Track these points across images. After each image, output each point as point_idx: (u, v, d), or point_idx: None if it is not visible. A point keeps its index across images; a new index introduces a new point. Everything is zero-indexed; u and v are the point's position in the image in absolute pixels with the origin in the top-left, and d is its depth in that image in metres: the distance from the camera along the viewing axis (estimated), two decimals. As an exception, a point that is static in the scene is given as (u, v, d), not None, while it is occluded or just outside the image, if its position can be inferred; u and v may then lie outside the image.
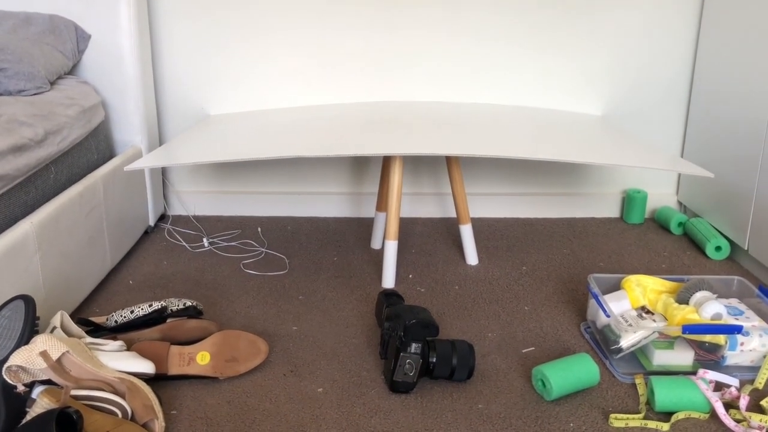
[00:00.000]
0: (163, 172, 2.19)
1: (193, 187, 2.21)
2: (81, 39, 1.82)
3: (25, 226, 1.31)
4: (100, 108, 1.78)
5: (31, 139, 1.38)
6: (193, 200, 2.21)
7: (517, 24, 2.07)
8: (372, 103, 2.08)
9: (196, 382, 1.30)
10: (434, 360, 1.28)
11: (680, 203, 2.24)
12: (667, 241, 2.02)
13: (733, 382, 1.27)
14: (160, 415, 1.14)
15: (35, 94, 1.58)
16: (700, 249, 1.96)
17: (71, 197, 1.50)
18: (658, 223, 2.16)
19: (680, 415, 1.20)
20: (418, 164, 2.20)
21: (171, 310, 1.39)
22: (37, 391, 1.12)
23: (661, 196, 2.23)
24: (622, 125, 2.17)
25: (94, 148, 1.74)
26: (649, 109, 2.16)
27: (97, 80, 1.87)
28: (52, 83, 1.70)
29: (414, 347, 1.26)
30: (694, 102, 2.10)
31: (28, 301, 1.17)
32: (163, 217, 2.18)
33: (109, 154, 1.85)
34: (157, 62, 2.08)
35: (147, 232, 2.05)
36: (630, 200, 2.17)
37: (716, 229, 1.95)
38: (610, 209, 2.24)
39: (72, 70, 1.86)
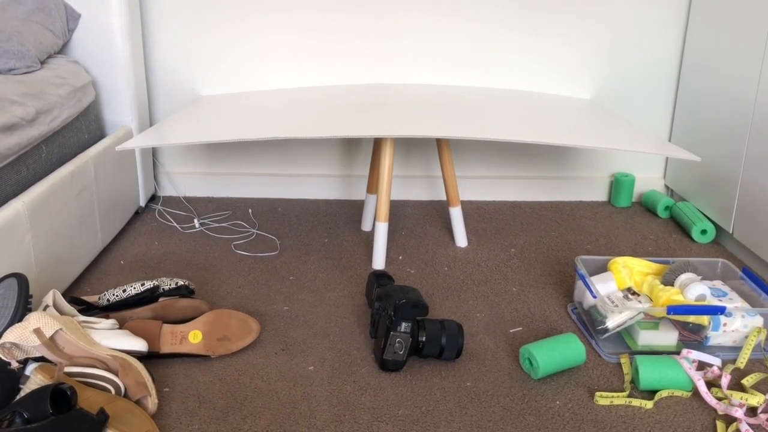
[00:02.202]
0: (154, 153, 2.19)
1: (183, 168, 2.21)
2: (71, 18, 1.81)
3: (16, 205, 1.31)
4: (90, 88, 1.77)
5: (22, 118, 1.38)
6: (184, 181, 2.21)
7: (507, 7, 2.07)
8: (363, 85, 2.08)
9: (189, 360, 1.32)
10: (423, 339, 1.30)
11: (667, 187, 2.26)
12: (654, 225, 2.05)
13: (716, 361, 1.30)
14: (153, 392, 1.15)
15: (25, 73, 1.57)
16: (686, 232, 1.99)
17: (62, 177, 1.50)
18: (645, 206, 2.19)
19: (663, 393, 1.23)
20: (409, 147, 2.21)
21: (163, 289, 1.40)
22: (31, 367, 1.13)
23: (649, 180, 2.26)
24: (610, 109, 2.19)
25: (85, 128, 1.74)
26: (637, 92, 2.18)
27: (87, 60, 1.86)
28: (42, 62, 1.69)
29: (404, 326, 1.28)
30: (683, 86, 2.12)
31: (20, 279, 1.18)
32: (153, 198, 2.18)
33: (100, 134, 1.85)
34: (147, 42, 2.08)
35: (138, 213, 2.05)
36: (618, 184, 2.19)
37: (702, 213, 1.98)
38: (598, 193, 2.26)
39: (62, 50, 1.85)
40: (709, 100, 1.95)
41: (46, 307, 1.24)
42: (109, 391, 1.12)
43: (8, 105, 1.37)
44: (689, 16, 2.08)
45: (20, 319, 1.14)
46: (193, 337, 1.31)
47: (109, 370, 1.15)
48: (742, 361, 1.33)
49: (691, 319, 1.36)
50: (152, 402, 1.14)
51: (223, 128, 1.60)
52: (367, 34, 2.08)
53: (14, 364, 1.11)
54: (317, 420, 1.16)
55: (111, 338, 1.21)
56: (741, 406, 1.19)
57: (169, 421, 1.15)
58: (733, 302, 1.41)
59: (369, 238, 1.90)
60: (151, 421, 1.09)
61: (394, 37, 2.09)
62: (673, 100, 2.19)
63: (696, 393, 1.25)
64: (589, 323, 1.44)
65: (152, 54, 2.09)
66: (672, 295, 1.39)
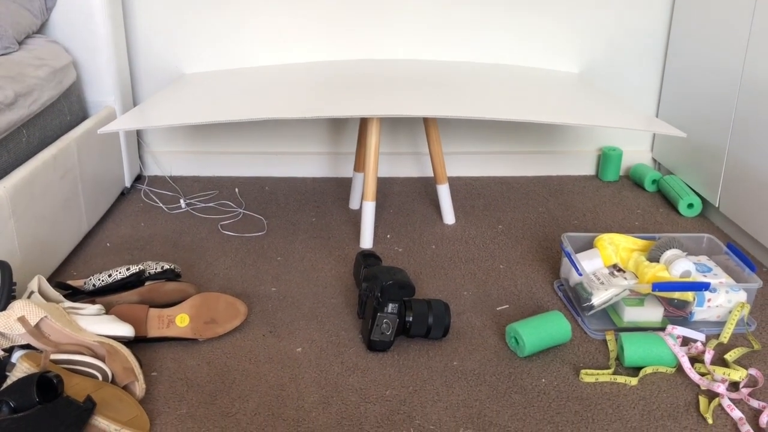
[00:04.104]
0: (138, 133, 2.16)
1: (169, 147, 2.19)
2: (49, -4, 1.77)
3: (-2, 191, 1.30)
4: (71, 68, 1.75)
5: (0, 102, 1.36)
6: (169, 160, 2.19)
7: (494, -20, 2.05)
8: (349, 61, 2.06)
9: (176, 344, 1.32)
10: (410, 319, 1.31)
11: (655, 160, 2.26)
12: (641, 199, 2.05)
13: (700, 337, 1.32)
14: (141, 377, 1.16)
15: (2, 54, 1.54)
16: (673, 206, 1.99)
17: (45, 160, 1.49)
18: (633, 180, 2.19)
19: (648, 370, 1.25)
20: (396, 124, 2.19)
21: (149, 273, 1.40)
22: (17, 355, 1.13)
23: (636, 153, 2.26)
24: (599, 83, 2.18)
25: (67, 109, 1.71)
26: (625, 65, 2.17)
27: (67, 39, 1.83)
28: (20, 43, 1.66)
29: (391, 307, 1.28)
30: (670, 60, 2.10)
31: (3, 267, 1.17)
32: (139, 178, 2.17)
33: (82, 116, 1.83)
34: (128, 19, 2.04)
35: (123, 194, 2.03)
36: (605, 158, 2.19)
37: (689, 187, 1.99)
38: (585, 167, 2.26)
39: (40, 29, 1.81)
40: (696, 73, 1.94)
41: (32, 293, 1.24)
42: (96, 377, 1.13)
43: (-14, 89, 1.34)
44: (677, -13, 2.07)
45: (4, 308, 1.14)
46: (180, 320, 1.31)
47: (95, 356, 1.15)
48: (725, 335, 1.34)
49: (676, 295, 1.37)
50: (140, 387, 1.15)
51: (207, 108, 1.58)
52: (354, 10, 2.05)
53: (0, 353, 1.11)
54: (305, 402, 1.17)
55: (97, 324, 1.21)
56: (723, 381, 1.20)
57: (157, 406, 1.15)
58: (718, 278, 1.42)
59: (357, 217, 1.90)
60: (139, 407, 1.10)
61: (380, 13, 2.06)
62: (661, 73, 2.18)
63: (680, 369, 1.26)
64: (575, 300, 1.45)
65: (134, 31, 2.05)
66: (657, 272, 1.40)
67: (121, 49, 1.93)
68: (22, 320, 1.11)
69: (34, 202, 1.43)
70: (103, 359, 1.15)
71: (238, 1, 2.03)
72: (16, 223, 1.35)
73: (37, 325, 1.13)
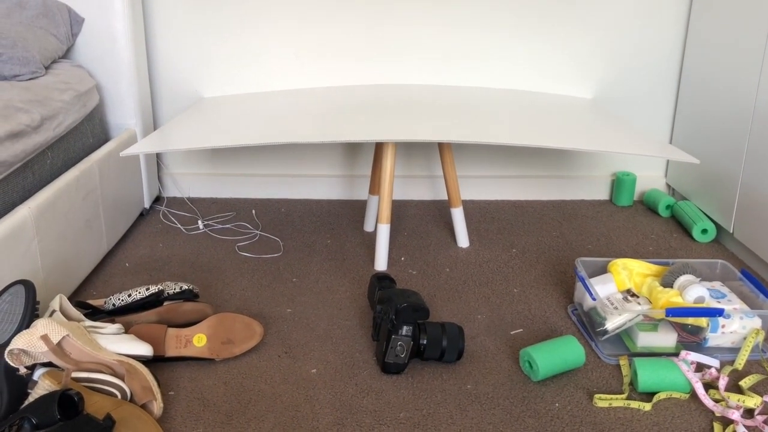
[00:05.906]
0: (158, 155, 2.20)
1: (187, 169, 2.23)
2: (74, 22, 1.82)
3: (23, 212, 1.33)
4: (94, 92, 1.79)
5: (27, 125, 1.40)
6: (188, 182, 2.23)
7: (509, 7, 2.08)
8: (365, 87, 2.09)
9: (193, 364, 1.34)
10: (425, 342, 1.32)
11: (669, 186, 2.27)
12: (655, 224, 2.06)
13: (714, 363, 1.32)
14: (159, 396, 1.17)
15: (30, 79, 1.59)
16: (687, 232, 2.00)
17: (68, 182, 1.52)
18: (647, 205, 2.20)
19: (662, 396, 1.25)
20: (411, 147, 2.22)
21: (168, 293, 1.42)
22: (39, 373, 1.15)
23: (650, 178, 2.27)
24: (612, 108, 2.20)
25: (89, 132, 1.75)
26: (639, 91, 2.19)
27: (91, 64, 1.88)
28: (47, 68, 1.71)
29: (405, 330, 1.29)
30: (684, 86, 2.12)
31: (28, 286, 1.20)
32: (158, 199, 2.20)
33: (104, 138, 1.87)
34: (150, 44, 2.09)
35: (142, 215, 2.07)
36: (619, 183, 2.20)
37: (703, 212, 1.99)
38: (599, 192, 2.27)
39: (66, 54, 1.86)
40: (710, 99, 1.96)
41: (53, 312, 1.26)
42: (115, 396, 1.15)
43: (13, 112, 1.38)
44: (690, 16, 2.09)
45: (28, 326, 1.16)
46: (198, 340, 1.33)
47: (115, 375, 1.17)
48: (740, 362, 1.34)
49: (690, 321, 1.37)
50: (158, 406, 1.16)
51: (226, 132, 1.61)
52: (370, 36, 2.09)
53: (22, 370, 1.13)
54: (320, 423, 1.18)
55: (117, 343, 1.23)
56: (738, 408, 1.20)
57: (174, 425, 1.17)
58: (732, 304, 1.43)
59: (371, 239, 1.92)
60: (157, 426, 1.12)
61: (396, 38, 2.10)
62: (675, 99, 2.20)
63: (694, 395, 1.26)
64: (588, 325, 1.46)
65: (155, 56, 2.10)
66: (671, 297, 1.41)
67: (142, 74, 1.97)
68: (44, 338, 1.13)
69: (57, 223, 1.46)
70: (122, 378, 1.17)
71: (256, 28, 2.08)
72: (39, 243, 1.38)
73: (59, 344, 1.15)
